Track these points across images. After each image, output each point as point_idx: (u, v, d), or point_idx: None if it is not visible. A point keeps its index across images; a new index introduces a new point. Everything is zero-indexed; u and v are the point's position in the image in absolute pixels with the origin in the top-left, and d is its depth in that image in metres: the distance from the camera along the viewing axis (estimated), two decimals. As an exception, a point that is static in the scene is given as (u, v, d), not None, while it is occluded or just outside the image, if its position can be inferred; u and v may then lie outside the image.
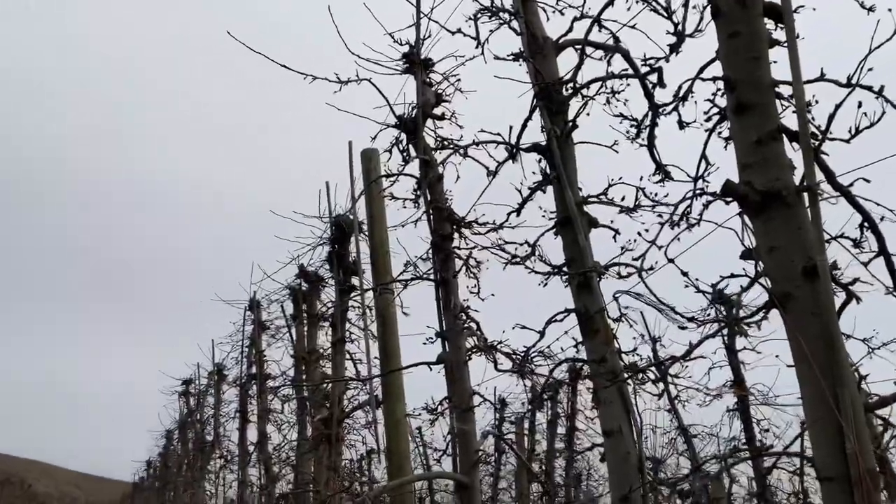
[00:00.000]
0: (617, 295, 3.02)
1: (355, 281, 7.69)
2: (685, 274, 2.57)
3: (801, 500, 8.62)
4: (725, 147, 2.63)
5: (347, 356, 8.22)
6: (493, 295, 4.93)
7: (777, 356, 2.59)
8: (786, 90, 2.49)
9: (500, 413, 10.15)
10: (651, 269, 3.02)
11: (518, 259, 3.31)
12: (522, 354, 3.63)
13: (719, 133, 2.78)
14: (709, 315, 2.99)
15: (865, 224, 2.36)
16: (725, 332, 7.40)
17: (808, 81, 2.48)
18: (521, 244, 3.37)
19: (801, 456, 2.36)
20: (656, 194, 3.21)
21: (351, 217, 7.31)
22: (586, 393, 11.28)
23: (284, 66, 4.26)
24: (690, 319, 3.00)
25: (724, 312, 3.53)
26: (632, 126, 3.01)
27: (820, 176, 2.36)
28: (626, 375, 2.89)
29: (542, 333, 3.32)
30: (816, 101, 2.59)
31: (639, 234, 2.79)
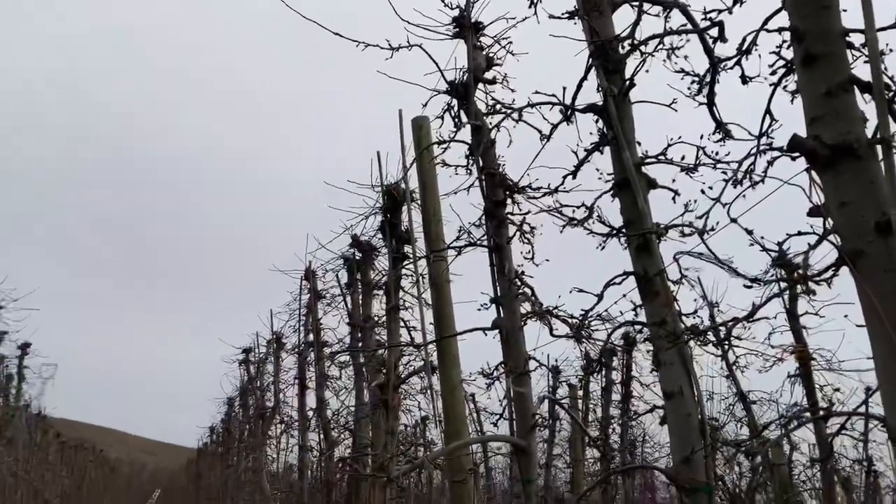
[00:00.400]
0: (677, 256, 2.97)
1: (408, 249, 7.75)
2: (749, 232, 2.51)
3: (865, 468, 8.44)
4: (792, 101, 2.54)
5: (402, 324, 8.32)
6: (547, 260, 4.91)
7: (846, 316, 2.51)
8: (857, 39, 2.38)
9: (555, 379, 10.16)
10: (712, 229, 2.96)
11: (576, 221, 3.28)
12: (580, 318, 3.61)
13: (785, 87, 2.68)
14: (772, 276, 2.92)
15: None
16: (788, 292, 7.22)
17: (882, 29, 2.37)
18: (578, 207, 3.33)
19: (867, 416, 2.31)
20: (717, 153, 3.12)
21: (403, 186, 7.35)
22: (641, 360, 11.20)
23: (337, 34, 4.27)
24: (754, 280, 2.94)
25: (786, 274, 3.44)
26: (693, 82, 2.92)
27: (894, 128, 2.26)
28: (686, 337, 2.85)
29: (600, 297, 3.30)
30: (890, 50, 2.47)
31: (702, 191, 2.73)
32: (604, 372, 13.33)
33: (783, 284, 2.55)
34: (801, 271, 2.36)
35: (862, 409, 2.40)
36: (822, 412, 5.25)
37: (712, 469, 2.73)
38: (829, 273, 2.28)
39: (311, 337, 10.85)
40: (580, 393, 13.19)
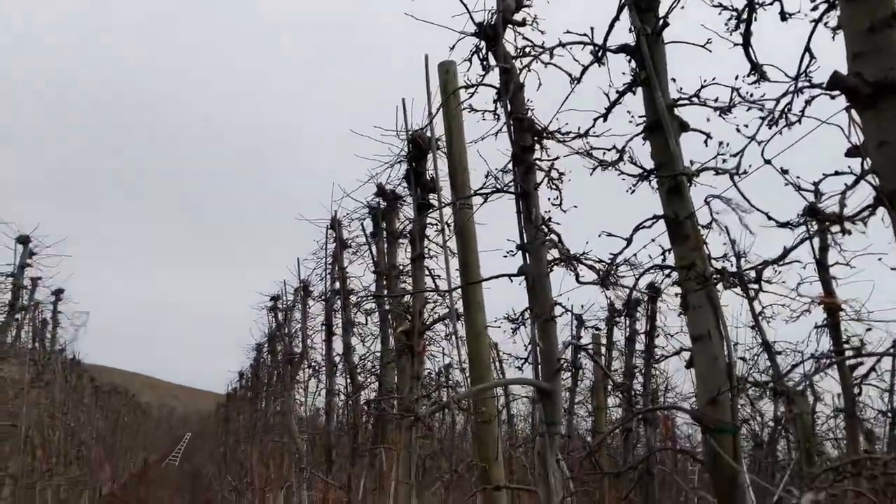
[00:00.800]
0: (709, 199, 2.94)
1: (433, 198, 7.76)
2: (785, 172, 2.48)
3: (890, 419, 8.44)
4: (833, 37, 2.46)
5: (427, 272, 8.39)
6: (575, 207, 4.89)
7: (880, 259, 2.48)
8: (904, -28, 2.29)
9: (579, 328, 10.19)
10: (745, 172, 2.92)
11: (606, 164, 3.25)
12: (608, 263, 3.61)
13: (826, 23, 2.61)
14: (804, 220, 2.89)
15: None
16: (820, 238, 7.11)
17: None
18: (609, 149, 3.30)
19: (891, 355, 2.30)
20: (751, 95, 3.05)
21: (428, 134, 7.31)
22: (666, 310, 11.20)
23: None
24: (785, 224, 2.91)
25: (819, 217, 3.39)
26: (730, 19, 2.84)
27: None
28: (716, 279, 2.84)
29: (629, 240, 3.29)
30: (939, -17, 2.37)
31: (737, 129, 2.68)
32: (628, 322, 13.39)
33: (816, 227, 2.52)
34: (836, 211, 2.33)
35: (891, 354, 2.39)
36: (851, 352, 5.23)
37: (737, 410, 2.76)
38: (866, 214, 2.25)
39: (337, 285, 10.98)
40: (604, 342, 13.29)
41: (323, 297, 11.59)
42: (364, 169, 8.13)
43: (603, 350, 12.76)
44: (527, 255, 4.91)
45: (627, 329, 13.36)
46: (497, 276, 5.19)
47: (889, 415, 8.43)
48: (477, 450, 5.72)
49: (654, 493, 11.83)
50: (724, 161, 2.71)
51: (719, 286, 3.01)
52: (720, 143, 2.79)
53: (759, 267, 2.64)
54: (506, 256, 5.21)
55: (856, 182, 2.27)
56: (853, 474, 2.83)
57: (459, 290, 6.30)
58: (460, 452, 14.99)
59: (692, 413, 2.90)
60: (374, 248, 9.62)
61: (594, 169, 3.40)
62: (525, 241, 4.91)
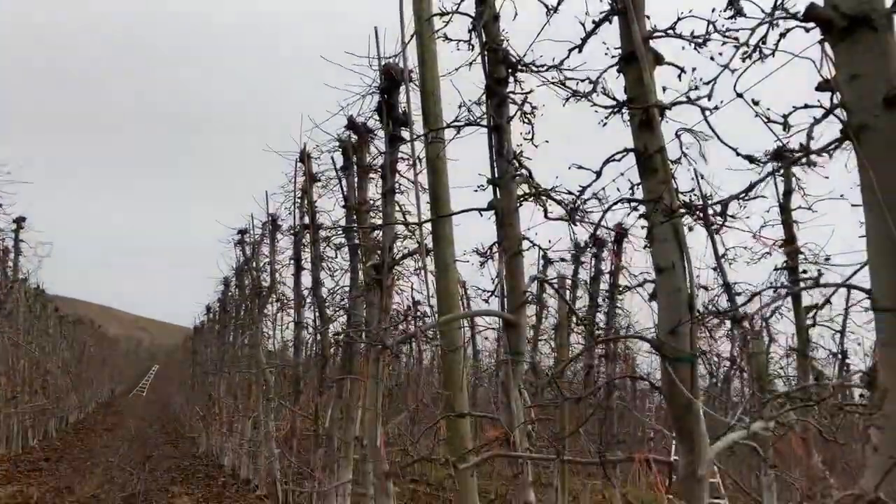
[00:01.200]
0: (679, 133, 2.95)
1: (405, 133, 7.66)
2: (756, 103, 2.49)
3: (839, 359, 8.78)
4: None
5: (397, 207, 8.36)
6: (546, 142, 4.88)
7: (842, 196, 2.53)
8: None
9: (546, 266, 10.25)
10: (716, 108, 2.93)
11: (580, 95, 3.22)
12: (576, 195, 3.63)
13: (804, -44, 2.57)
14: (771, 158, 2.92)
15: (957, 52, 2.21)
16: (784, 180, 7.22)
17: None
18: (583, 80, 3.27)
19: (846, 286, 2.38)
20: (728, 29, 3.03)
21: (400, 63, 7.16)
22: (632, 251, 11.36)
23: None
24: (752, 160, 2.94)
25: (782, 161, 3.43)
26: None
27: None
28: (681, 212, 2.88)
29: (598, 173, 3.30)
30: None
31: (711, 58, 2.67)
32: (594, 262, 13.58)
33: (783, 161, 2.56)
34: (803, 143, 2.35)
35: (847, 286, 2.47)
36: (808, 281, 5.40)
37: (696, 340, 2.84)
38: (832, 148, 2.28)
39: (306, 219, 10.89)
40: (569, 283, 13.49)
41: (292, 231, 11.51)
42: (335, 100, 7.97)
43: (568, 285, 12.96)
44: (497, 189, 4.92)
45: (592, 269, 13.57)
46: (467, 210, 5.20)
47: (839, 355, 8.77)
48: (442, 380, 5.84)
49: (612, 426, 12.27)
50: (697, 88, 2.71)
51: (685, 220, 3.05)
52: (692, 70, 2.78)
53: (725, 201, 2.67)
54: (476, 191, 5.20)
55: (824, 116, 2.29)
56: (802, 402, 2.96)
57: (429, 224, 6.30)
58: (428, 386, 15.31)
59: (652, 342, 2.98)
60: (344, 182, 9.51)
61: (567, 99, 3.38)
62: (496, 175, 4.91)
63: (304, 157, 11.07)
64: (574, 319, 10.15)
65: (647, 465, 3.16)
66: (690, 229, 3.14)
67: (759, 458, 4.08)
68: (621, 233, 11.23)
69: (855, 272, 2.23)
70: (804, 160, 2.43)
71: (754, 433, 3.17)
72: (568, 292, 13.40)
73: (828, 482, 6.14)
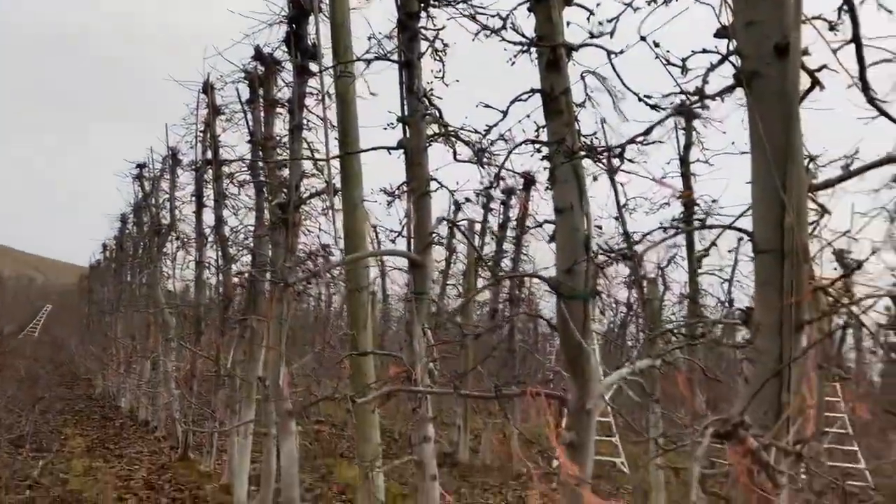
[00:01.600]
0: (584, 75, 2.97)
1: (314, 66, 7.40)
2: (657, 45, 2.52)
3: (727, 307, 9.33)
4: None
5: (305, 144, 8.12)
6: (457, 81, 4.83)
7: (733, 143, 2.62)
8: None
9: (457, 210, 10.29)
10: (622, 51, 2.96)
11: (490, 30, 3.18)
12: (482, 134, 3.62)
13: None
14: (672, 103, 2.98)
15: (844, 6, 2.31)
16: (685, 134, 7.49)
17: None
18: (493, 16, 3.22)
19: (731, 228, 2.50)
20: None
21: (311, -6, 6.86)
22: (539, 199, 11.57)
23: None
24: (653, 107, 3.00)
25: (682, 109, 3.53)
26: None
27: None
28: (582, 154, 2.92)
29: (504, 113, 3.29)
30: None
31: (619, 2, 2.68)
32: (502, 209, 13.78)
33: (680, 104, 2.62)
34: (698, 86, 2.41)
35: (731, 227, 2.59)
36: (699, 223, 5.68)
37: (592, 278, 2.92)
38: (725, 92, 2.35)
39: (209, 154, 10.44)
40: (478, 228, 13.67)
41: (193, 167, 11.03)
42: (239, 30, 7.57)
43: (478, 230, 13.13)
44: (407, 127, 4.85)
45: (501, 216, 13.76)
46: (376, 148, 5.10)
47: (727, 303, 9.33)
48: (348, 319, 5.81)
49: (514, 368, 12.69)
50: (601, 25, 2.72)
51: (587, 163, 3.09)
52: (597, 5, 2.79)
53: (623, 144, 2.72)
54: (385, 129, 5.11)
55: (720, 61, 2.35)
56: (687, 338, 3.14)
57: (337, 163, 6.16)
58: (337, 329, 15.27)
59: (549, 280, 3.04)
60: (250, 116, 9.14)
61: (477, 33, 3.33)
62: (406, 112, 4.83)
63: (208, 89, 10.53)
64: (480, 263, 10.29)
65: (545, 400, 3.25)
66: (595, 178, 3.21)
67: (647, 395, 4.34)
68: (529, 179, 11.42)
69: (739, 216, 2.34)
70: (698, 104, 2.49)
71: (641, 370, 3.31)
72: (477, 237, 13.57)
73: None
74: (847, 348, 14.28)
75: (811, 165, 2.40)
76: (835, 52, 2.40)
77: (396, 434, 13.14)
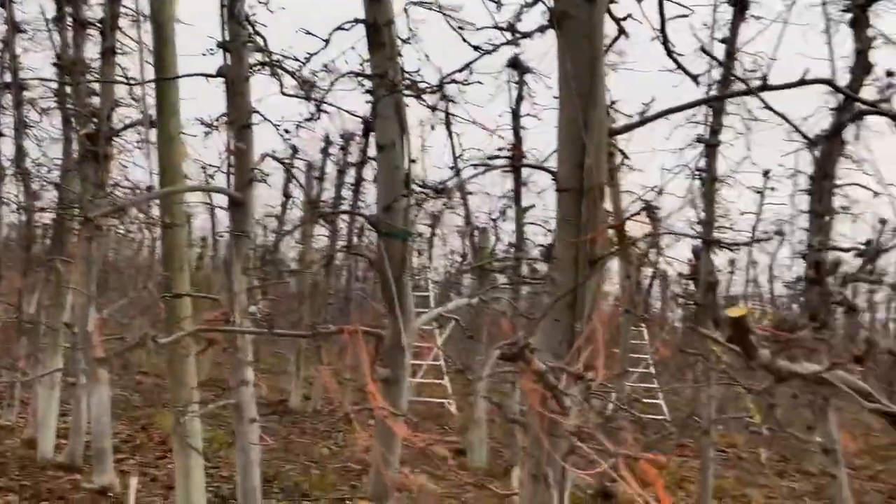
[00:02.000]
0: (407, 7, 2.91)
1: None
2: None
3: (548, 252, 9.85)
4: None
5: (118, 69, 7.44)
6: (283, 8, 4.57)
7: (554, 97, 2.69)
8: None
9: (293, 155, 9.93)
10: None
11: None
12: (303, 62, 3.46)
13: None
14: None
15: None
16: (518, 88, 7.67)
17: None
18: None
19: (538, 167, 2.58)
20: None
21: None
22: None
23: None
24: (476, 48, 3.01)
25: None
26: None
27: None
28: (402, 88, 2.88)
29: (326, 41, 3.16)
30: None
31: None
32: (342, 154, 13.55)
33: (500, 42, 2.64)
34: (510, 21, 2.44)
35: (537, 167, 2.69)
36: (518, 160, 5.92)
37: (409, 216, 2.92)
38: (537, 31, 2.39)
39: (7, 77, 9.27)
40: (316, 174, 13.37)
41: (-11, 90, 9.73)
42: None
43: (315, 176, 12.83)
44: (228, 54, 4.53)
45: (341, 161, 13.54)
46: (193, 75, 4.72)
47: (546, 256, 9.89)
48: (163, 259, 5.45)
49: (349, 316, 12.69)
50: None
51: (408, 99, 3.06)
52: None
53: (442, 78, 2.71)
54: (205, 55, 4.75)
55: (535, 2, 2.38)
56: (510, 282, 3.26)
57: (153, 91, 5.67)
58: (153, 273, 14.37)
59: (368, 218, 3.01)
60: (56, 37, 8.20)
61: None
62: (227, 38, 4.51)
63: (6, 2, 9.31)
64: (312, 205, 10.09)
65: (361, 338, 3.24)
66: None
67: (464, 332, 4.52)
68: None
69: (547, 157, 2.41)
70: (512, 41, 2.52)
71: (458, 307, 3.39)
72: (316, 183, 13.29)
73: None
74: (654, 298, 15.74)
75: (610, 111, 2.52)
76: (639, 1, 2.51)
77: (224, 386, 12.74)
